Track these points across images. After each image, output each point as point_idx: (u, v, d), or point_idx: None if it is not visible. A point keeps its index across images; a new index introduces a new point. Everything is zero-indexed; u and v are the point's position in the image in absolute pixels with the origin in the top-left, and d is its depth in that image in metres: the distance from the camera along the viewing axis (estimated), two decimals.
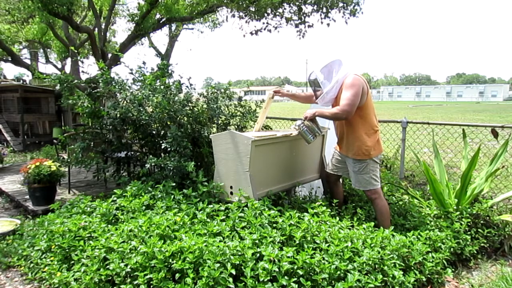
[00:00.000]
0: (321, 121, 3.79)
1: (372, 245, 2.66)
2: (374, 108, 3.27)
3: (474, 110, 26.00)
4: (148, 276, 2.26)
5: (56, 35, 11.52)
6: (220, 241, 2.52)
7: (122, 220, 3.02)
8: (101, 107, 4.18)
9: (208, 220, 2.84)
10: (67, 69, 14.35)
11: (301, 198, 3.57)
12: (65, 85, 4.13)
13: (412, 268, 2.70)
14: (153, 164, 3.55)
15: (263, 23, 8.62)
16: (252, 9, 8.20)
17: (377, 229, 2.97)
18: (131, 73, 4.23)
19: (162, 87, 3.97)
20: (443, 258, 2.89)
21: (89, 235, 2.85)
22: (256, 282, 2.21)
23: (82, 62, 13.54)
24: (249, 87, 5.07)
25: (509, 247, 3.35)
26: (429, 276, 2.76)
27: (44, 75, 4.98)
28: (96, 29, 9.07)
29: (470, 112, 22.91)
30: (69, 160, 4.28)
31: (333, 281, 2.35)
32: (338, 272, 2.37)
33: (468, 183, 3.52)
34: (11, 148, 8.91)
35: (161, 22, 9.48)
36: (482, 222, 3.36)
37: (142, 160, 4.16)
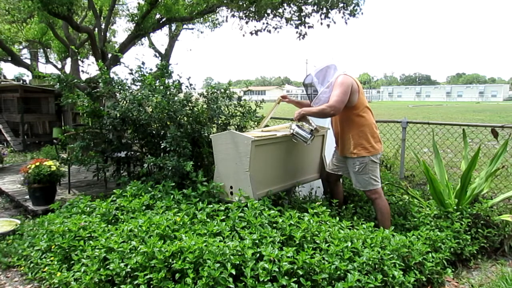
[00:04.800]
0: (322, 121, 3.80)
1: (372, 245, 2.66)
2: (369, 106, 3.28)
3: (474, 110, 25.99)
4: (148, 276, 2.26)
5: (56, 35, 11.52)
6: (220, 241, 2.52)
7: (122, 220, 3.02)
8: (101, 107, 4.18)
9: (208, 220, 2.84)
10: (67, 69, 14.37)
11: (301, 198, 3.57)
12: (64, 84, 4.13)
13: (412, 268, 2.70)
14: (152, 164, 3.55)
15: (263, 23, 8.62)
16: (252, 9, 8.20)
17: (377, 229, 2.98)
18: (131, 73, 4.23)
19: (161, 87, 3.97)
20: (443, 258, 2.89)
21: (89, 235, 2.85)
22: (256, 282, 2.21)
23: (82, 62, 13.52)
24: (247, 86, 5.03)
25: (509, 247, 3.35)
26: (429, 276, 2.76)
27: (44, 73, 4.98)
28: (96, 29, 9.07)
29: (470, 112, 22.90)
30: (69, 159, 4.28)
31: (333, 281, 2.35)
32: (338, 272, 2.37)
33: (468, 183, 3.52)
34: (11, 148, 8.91)
35: (161, 22, 9.48)
36: (482, 222, 3.36)
37: (142, 160, 4.16)
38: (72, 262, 2.69)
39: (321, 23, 8.26)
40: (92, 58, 11.36)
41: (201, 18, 11.88)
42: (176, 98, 3.88)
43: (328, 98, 3.11)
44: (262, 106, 4.63)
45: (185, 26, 13.75)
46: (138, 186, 3.39)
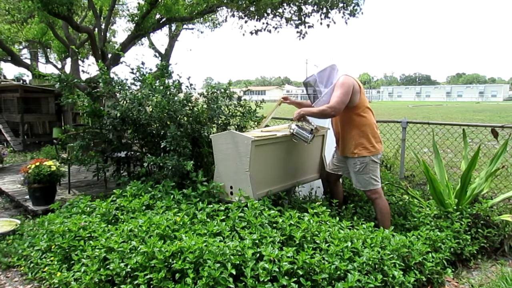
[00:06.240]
0: (322, 121, 3.80)
1: (372, 245, 2.66)
2: (370, 106, 3.28)
3: (474, 110, 25.99)
4: (148, 276, 2.26)
5: (56, 35, 11.53)
6: (220, 241, 2.52)
7: (122, 220, 3.02)
8: (101, 107, 4.18)
9: (208, 220, 2.84)
10: (67, 69, 14.37)
11: (301, 198, 3.57)
12: (65, 84, 4.13)
13: (412, 268, 2.70)
14: (152, 163, 3.55)
15: (263, 23, 8.63)
16: (252, 9, 8.20)
17: (377, 229, 2.98)
18: (132, 72, 4.23)
19: (161, 87, 3.97)
20: (443, 258, 2.89)
21: (89, 235, 2.85)
22: (256, 282, 2.21)
23: (83, 61, 13.51)
24: (247, 86, 5.02)
25: (509, 247, 3.35)
26: (429, 276, 2.76)
27: (45, 73, 4.98)
28: (96, 29, 9.08)
29: (470, 112, 22.90)
30: (69, 159, 4.28)
31: (333, 281, 2.35)
32: (338, 272, 2.37)
33: (468, 183, 3.52)
34: (11, 148, 8.91)
35: (161, 22, 9.48)
36: (482, 222, 3.36)
37: (142, 160, 4.16)
38: (72, 262, 2.69)
39: (321, 23, 8.28)
40: (92, 58, 11.37)
41: (201, 18, 11.89)
42: (176, 98, 3.89)
43: (329, 98, 3.11)
44: (262, 106, 4.63)
45: (185, 26, 13.76)
46: (138, 186, 3.39)
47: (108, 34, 10.90)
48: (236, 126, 4.31)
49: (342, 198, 3.67)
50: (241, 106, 4.48)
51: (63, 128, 7.10)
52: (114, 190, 3.40)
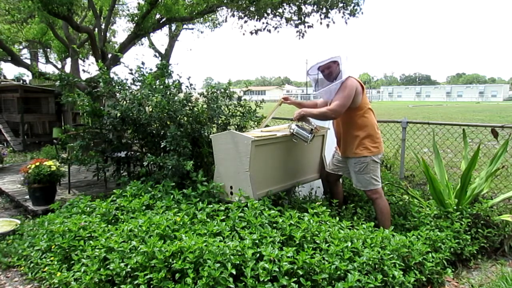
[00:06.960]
0: (322, 122, 3.80)
1: (372, 245, 2.66)
2: (371, 107, 3.29)
3: (474, 110, 25.99)
4: (148, 276, 2.26)
5: (56, 35, 11.52)
6: (220, 241, 2.52)
7: (122, 220, 3.02)
8: (101, 107, 4.19)
9: (208, 220, 2.84)
10: (67, 69, 14.36)
11: (301, 198, 3.57)
12: (65, 82, 4.13)
13: (412, 268, 2.70)
14: (151, 162, 3.55)
15: (263, 23, 8.64)
16: (252, 9, 8.21)
17: (377, 229, 2.98)
18: (131, 73, 4.23)
19: (161, 87, 3.97)
20: (443, 258, 2.89)
21: (89, 235, 2.85)
22: (256, 282, 2.21)
23: (83, 61, 13.51)
24: (247, 86, 5.02)
25: (509, 247, 3.35)
26: (429, 276, 2.76)
27: (47, 73, 4.99)
28: (96, 29, 9.08)
29: (470, 112, 22.90)
30: (69, 159, 4.28)
31: (333, 281, 2.35)
32: (338, 272, 2.37)
33: (468, 183, 3.52)
34: (11, 148, 8.91)
35: (161, 22, 9.48)
36: (482, 222, 3.36)
37: (142, 160, 4.17)
38: (72, 262, 2.69)
39: (321, 23, 8.28)
40: (92, 58, 11.36)
41: (201, 18, 11.90)
42: (176, 98, 3.89)
43: (330, 94, 3.15)
44: (262, 106, 4.63)
45: (185, 26, 13.77)
46: (138, 186, 3.39)
47: (108, 34, 10.90)
48: (236, 126, 4.31)
49: (342, 198, 3.67)
50: (241, 106, 4.48)
51: (63, 128, 7.10)
52: (114, 190, 3.40)
